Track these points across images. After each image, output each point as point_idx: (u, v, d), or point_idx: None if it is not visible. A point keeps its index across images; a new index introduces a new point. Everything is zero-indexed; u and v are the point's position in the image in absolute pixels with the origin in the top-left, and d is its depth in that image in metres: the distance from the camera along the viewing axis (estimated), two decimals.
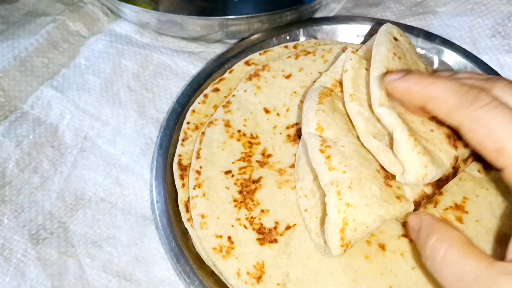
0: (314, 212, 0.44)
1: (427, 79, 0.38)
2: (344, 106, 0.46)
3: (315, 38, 0.64)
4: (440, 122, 0.42)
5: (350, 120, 0.45)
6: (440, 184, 0.44)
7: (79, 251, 0.51)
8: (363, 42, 0.61)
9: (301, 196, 0.46)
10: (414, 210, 0.43)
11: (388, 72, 0.41)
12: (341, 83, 0.47)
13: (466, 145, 0.42)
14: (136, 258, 0.51)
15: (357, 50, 0.54)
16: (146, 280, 0.50)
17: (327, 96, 0.46)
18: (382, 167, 0.43)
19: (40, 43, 0.66)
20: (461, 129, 0.36)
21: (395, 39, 0.46)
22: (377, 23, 0.63)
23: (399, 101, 0.42)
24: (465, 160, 0.45)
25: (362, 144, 0.43)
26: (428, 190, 0.43)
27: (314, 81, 0.53)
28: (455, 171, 0.44)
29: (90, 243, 0.52)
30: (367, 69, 0.47)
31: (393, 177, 0.42)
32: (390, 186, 0.42)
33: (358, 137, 0.44)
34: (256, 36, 0.63)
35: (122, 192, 0.55)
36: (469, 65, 0.59)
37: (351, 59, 0.47)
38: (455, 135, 0.42)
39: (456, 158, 0.43)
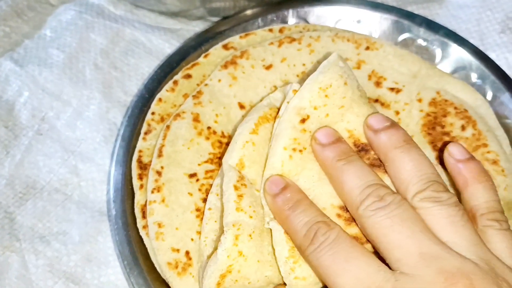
0: (216, 216, 0.40)
1: (284, 212, 0.36)
2: None
3: (306, 21, 0.57)
4: (352, 218, 0.37)
5: None
6: None
7: (24, 246, 0.46)
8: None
9: (213, 192, 0.42)
10: None
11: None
12: None
13: None
14: (88, 258, 0.47)
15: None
16: (97, 284, 0.45)
17: (268, 122, 0.41)
18: None
19: (4, 10, 0.60)
20: None
21: (304, 119, 0.39)
22: (375, 8, 0.56)
23: None
24: None
25: None
26: None
27: (297, 75, 0.48)
28: None
29: (37, 238, 0.47)
30: None
31: None
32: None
33: None
34: (240, 15, 0.56)
35: (79, 183, 0.50)
36: (474, 62, 0.52)
37: (288, 102, 0.40)
38: None
39: None
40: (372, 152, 0.39)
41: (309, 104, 0.39)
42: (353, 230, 0.37)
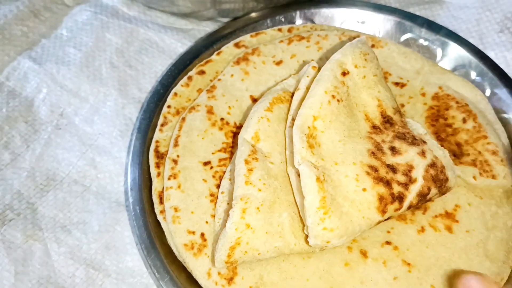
0: (228, 198, 0.42)
1: None
2: None
3: (313, 22, 0.60)
4: (379, 178, 0.39)
5: None
6: None
7: (46, 235, 0.48)
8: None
9: (226, 178, 0.44)
10: None
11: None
12: (308, 89, 0.43)
13: (398, 208, 0.40)
14: (107, 246, 0.48)
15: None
16: (116, 270, 0.47)
17: (282, 103, 0.44)
18: None
19: (21, 10, 0.62)
20: None
21: (344, 73, 0.42)
22: (378, 9, 0.59)
23: None
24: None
25: None
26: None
27: None
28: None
29: (58, 227, 0.49)
30: None
31: None
32: None
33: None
34: (249, 16, 0.59)
35: (97, 175, 0.52)
36: (474, 61, 0.55)
37: (308, 76, 0.43)
38: (393, 197, 0.39)
39: (379, 222, 0.40)
40: (397, 126, 0.42)
41: (351, 61, 0.43)
42: (381, 189, 0.39)
